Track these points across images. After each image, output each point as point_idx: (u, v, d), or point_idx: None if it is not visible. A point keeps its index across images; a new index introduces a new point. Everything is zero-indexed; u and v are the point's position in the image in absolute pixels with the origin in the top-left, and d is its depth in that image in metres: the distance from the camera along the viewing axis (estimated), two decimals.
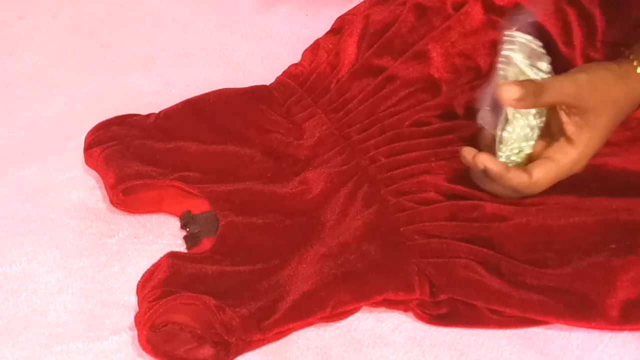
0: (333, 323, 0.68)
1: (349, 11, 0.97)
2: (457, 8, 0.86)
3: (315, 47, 0.92)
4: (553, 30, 0.83)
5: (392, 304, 0.68)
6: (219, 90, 0.87)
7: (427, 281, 0.68)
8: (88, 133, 0.83)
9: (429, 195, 0.73)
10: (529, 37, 0.70)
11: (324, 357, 0.66)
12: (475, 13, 0.85)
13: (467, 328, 0.67)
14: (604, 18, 0.83)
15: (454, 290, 0.67)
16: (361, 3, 0.97)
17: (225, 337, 0.65)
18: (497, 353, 0.66)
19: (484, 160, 0.69)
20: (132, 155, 0.79)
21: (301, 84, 0.88)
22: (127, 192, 0.77)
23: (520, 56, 0.69)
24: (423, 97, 0.83)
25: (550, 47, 0.83)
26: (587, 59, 0.82)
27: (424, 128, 0.79)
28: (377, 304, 0.68)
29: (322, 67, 0.88)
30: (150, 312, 0.65)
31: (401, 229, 0.71)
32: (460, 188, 0.73)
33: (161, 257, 0.71)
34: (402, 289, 0.67)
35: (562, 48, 0.83)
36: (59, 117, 0.91)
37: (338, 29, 0.94)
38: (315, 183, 0.77)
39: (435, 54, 0.84)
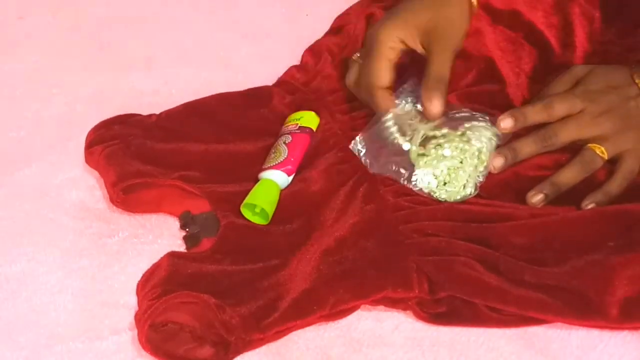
0: (333, 323, 0.68)
1: (347, 10, 0.97)
2: None
3: (316, 48, 0.92)
4: (552, 31, 0.83)
5: (391, 302, 0.68)
6: (221, 93, 0.87)
7: (425, 278, 0.68)
8: (89, 132, 0.83)
9: (427, 199, 0.74)
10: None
11: (324, 357, 0.66)
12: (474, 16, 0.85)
13: (466, 327, 0.67)
14: (602, 19, 0.84)
15: (453, 287, 0.67)
16: (358, 2, 0.97)
17: (225, 336, 0.65)
18: (496, 353, 0.66)
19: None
20: (133, 154, 0.79)
21: (305, 84, 0.88)
22: (128, 191, 0.77)
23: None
24: None
25: (544, 49, 0.84)
26: (586, 60, 0.82)
27: None
28: (376, 302, 0.68)
29: (328, 70, 0.88)
30: (150, 310, 0.65)
31: (399, 227, 0.71)
32: None
33: (161, 257, 0.71)
34: (400, 287, 0.67)
35: (558, 50, 0.83)
36: (59, 117, 0.91)
37: (338, 27, 0.94)
38: (316, 182, 0.77)
39: None
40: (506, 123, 0.73)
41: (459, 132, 0.76)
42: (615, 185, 0.73)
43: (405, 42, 0.77)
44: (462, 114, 0.78)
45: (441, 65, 0.75)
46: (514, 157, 0.74)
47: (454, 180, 0.74)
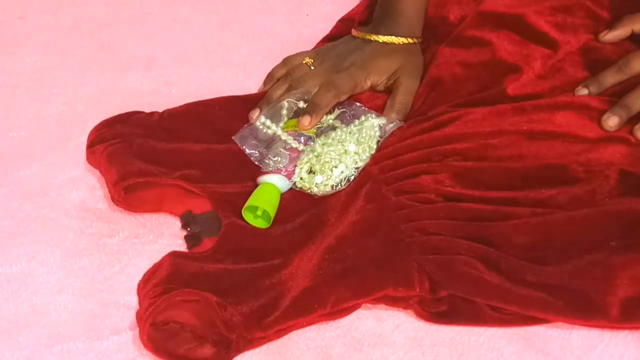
0: (333, 323, 0.68)
1: (347, 14, 0.97)
2: (460, 20, 0.87)
3: None
4: (557, 32, 0.83)
5: (392, 301, 0.68)
6: (223, 97, 0.87)
7: (426, 277, 0.68)
8: (91, 131, 0.83)
9: (429, 196, 0.73)
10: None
11: (325, 357, 0.66)
12: (473, 25, 0.85)
13: (467, 326, 0.67)
14: (611, 19, 0.84)
15: (454, 286, 0.67)
16: (358, 4, 0.97)
17: (226, 334, 0.65)
18: (497, 353, 0.66)
19: None
20: (135, 153, 0.79)
21: None
22: (129, 190, 0.77)
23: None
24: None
25: (549, 49, 0.83)
26: (591, 60, 0.82)
27: (426, 124, 0.79)
28: (377, 301, 0.68)
29: None
30: (152, 308, 0.65)
31: (401, 226, 0.71)
32: (459, 188, 0.73)
33: (163, 257, 0.71)
34: (401, 285, 0.67)
35: (563, 51, 0.83)
36: (59, 117, 0.91)
37: (339, 34, 0.94)
38: None
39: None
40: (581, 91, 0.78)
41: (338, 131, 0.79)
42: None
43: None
44: (353, 110, 0.82)
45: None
46: (628, 113, 0.76)
47: (321, 171, 0.77)
